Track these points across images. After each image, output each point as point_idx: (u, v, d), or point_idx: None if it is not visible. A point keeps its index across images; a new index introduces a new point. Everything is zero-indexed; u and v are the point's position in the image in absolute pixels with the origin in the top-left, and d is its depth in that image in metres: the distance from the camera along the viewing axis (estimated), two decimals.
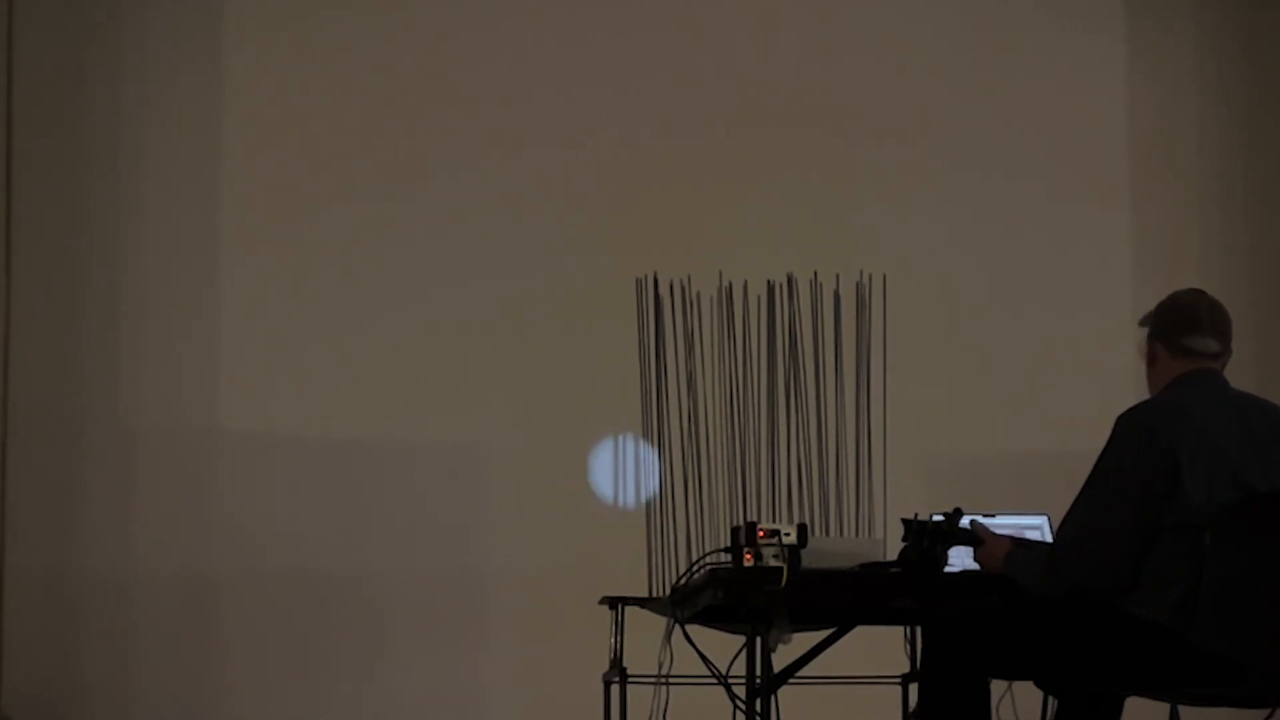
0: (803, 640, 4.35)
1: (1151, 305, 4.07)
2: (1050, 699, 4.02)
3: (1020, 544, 3.96)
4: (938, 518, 4.03)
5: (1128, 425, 3.78)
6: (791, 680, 4.24)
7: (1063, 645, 3.74)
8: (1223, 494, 3.65)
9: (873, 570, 4.09)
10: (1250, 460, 3.72)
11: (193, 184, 7.13)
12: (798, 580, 3.88)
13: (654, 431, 7.11)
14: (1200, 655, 3.61)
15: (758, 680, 4.01)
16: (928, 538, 3.97)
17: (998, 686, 3.90)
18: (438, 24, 7.32)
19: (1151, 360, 3.94)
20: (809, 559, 3.93)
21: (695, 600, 4.14)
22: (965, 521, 4.03)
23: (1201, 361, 3.86)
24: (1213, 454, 3.70)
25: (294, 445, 7.05)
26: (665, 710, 4.68)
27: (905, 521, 4.04)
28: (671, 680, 4.47)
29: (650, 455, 7.10)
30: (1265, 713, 3.86)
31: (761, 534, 3.91)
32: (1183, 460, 3.67)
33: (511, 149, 7.28)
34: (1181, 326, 3.89)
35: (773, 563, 3.88)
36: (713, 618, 4.34)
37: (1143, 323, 4.00)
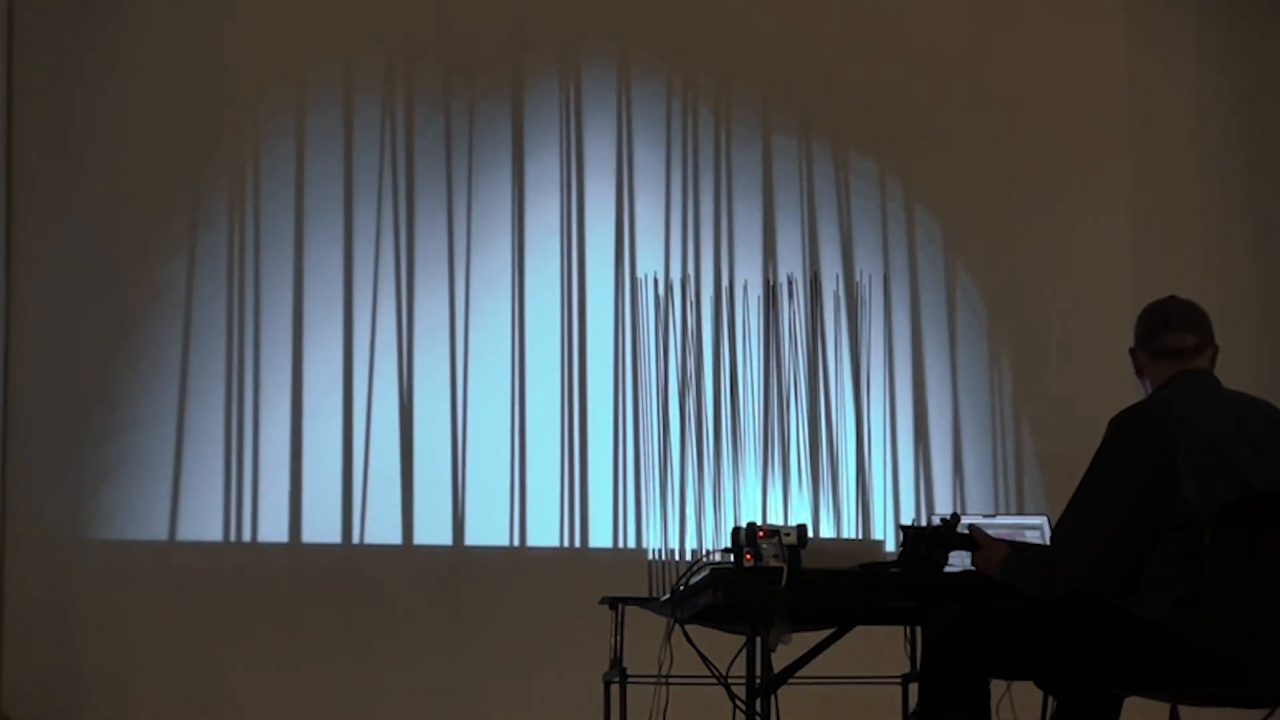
0: (803, 640, 4.35)
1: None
2: (1050, 699, 4.02)
3: (1017, 548, 3.95)
4: (936, 523, 4.03)
5: (1121, 426, 3.78)
6: (791, 680, 4.24)
7: (1063, 645, 3.73)
8: (1221, 493, 3.65)
9: (873, 570, 4.09)
10: (1248, 459, 3.72)
11: (190, 176, 7.15)
12: (798, 580, 3.88)
13: (654, 432, 7.12)
14: (1200, 655, 3.61)
15: (758, 680, 4.01)
16: (925, 543, 3.97)
17: (998, 686, 3.90)
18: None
19: (1139, 371, 3.98)
20: (809, 559, 3.93)
21: (695, 600, 4.14)
22: (963, 526, 4.03)
23: (1184, 359, 3.88)
24: (1209, 453, 3.70)
25: (294, 443, 7.05)
26: (665, 710, 4.68)
27: (903, 528, 4.04)
28: (671, 680, 4.47)
29: (651, 455, 7.11)
30: (1265, 713, 3.86)
31: (761, 534, 3.91)
32: (1179, 460, 3.67)
33: (514, 147, 7.28)
34: (1154, 328, 3.93)
35: (773, 563, 3.88)
36: (713, 618, 4.34)
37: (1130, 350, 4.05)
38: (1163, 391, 3.88)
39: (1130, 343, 4.00)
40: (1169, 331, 3.90)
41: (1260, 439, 3.78)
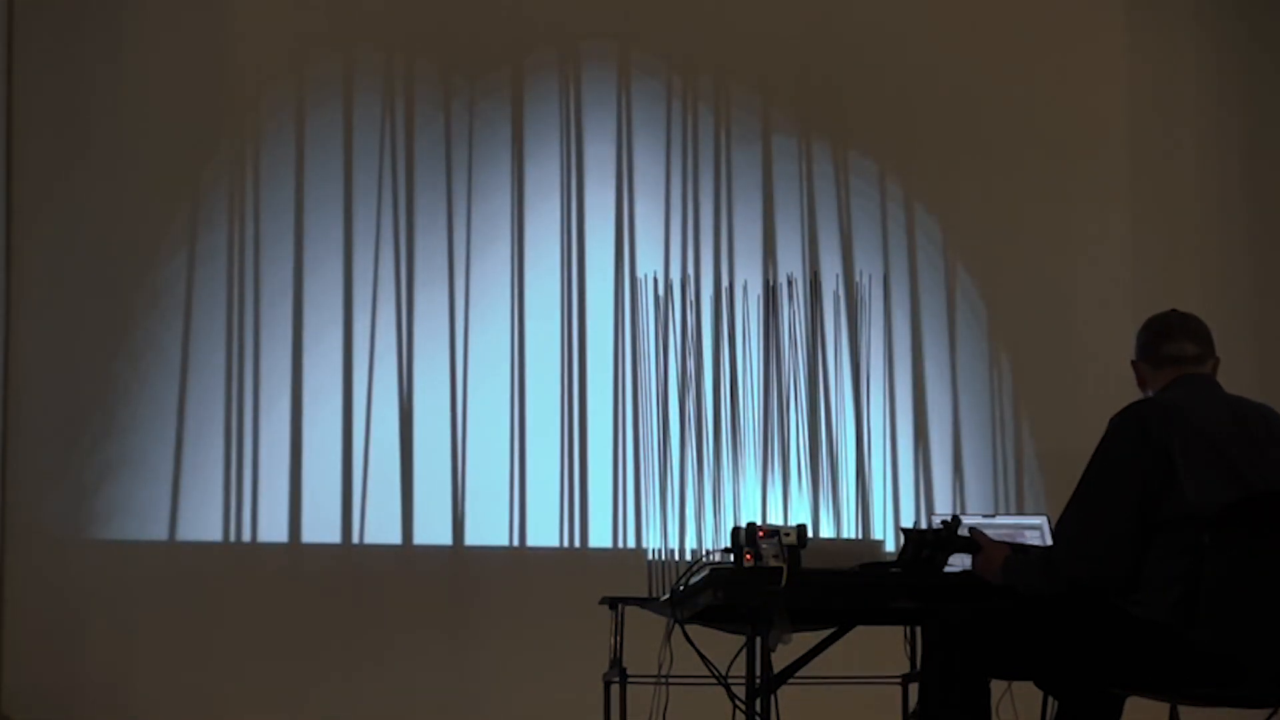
0: (803, 640, 4.35)
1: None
2: (1050, 699, 4.02)
3: (1018, 550, 3.96)
4: (936, 525, 4.03)
5: (1120, 422, 3.81)
6: (791, 680, 4.24)
7: (1063, 645, 3.74)
8: (1220, 490, 3.67)
9: (873, 570, 4.09)
10: (1249, 459, 3.74)
11: (188, 185, 7.15)
12: (798, 580, 3.88)
13: (654, 432, 7.12)
14: (1200, 655, 3.61)
15: (758, 680, 4.01)
16: (927, 547, 3.98)
17: (998, 686, 3.90)
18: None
19: (1141, 383, 4.04)
20: (809, 559, 3.93)
21: (695, 600, 4.14)
22: (964, 529, 4.03)
23: (1185, 367, 3.94)
24: (1208, 449, 3.72)
25: (294, 443, 7.05)
26: (665, 710, 4.68)
27: (905, 531, 4.05)
28: (671, 680, 4.47)
29: (651, 455, 7.11)
30: (1265, 713, 3.86)
31: (761, 534, 3.91)
32: (1176, 454, 3.69)
33: (514, 147, 7.29)
34: (1155, 339, 3.99)
35: (773, 563, 3.88)
36: (713, 618, 4.34)
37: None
38: (1163, 393, 3.91)
39: (1130, 350, 4.03)
40: (1170, 341, 3.96)
41: (1260, 439, 3.80)
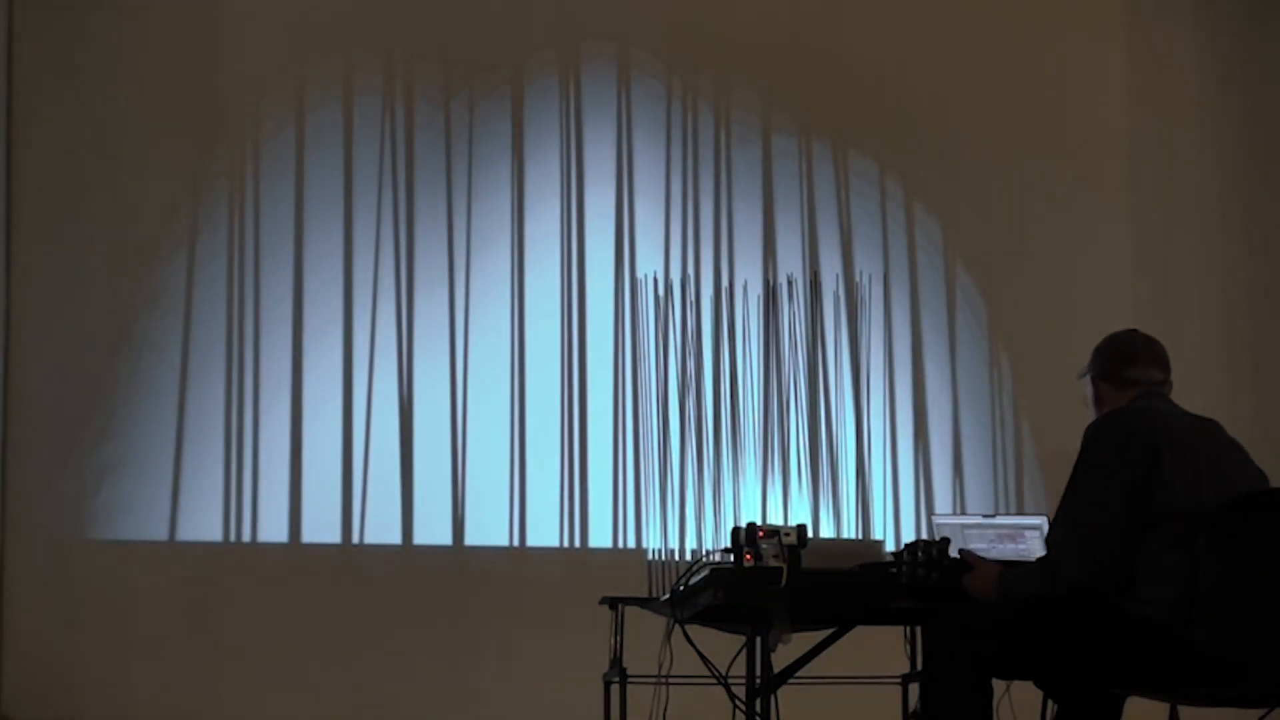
0: (803, 640, 4.35)
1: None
2: (1050, 699, 4.03)
3: (1010, 566, 3.97)
4: (928, 549, 4.03)
5: (1101, 427, 3.85)
6: (791, 680, 4.25)
7: (1063, 645, 3.74)
8: (1208, 490, 3.69)
9: (873, 570, 4.09)
10: (1224, 464, 3.78)
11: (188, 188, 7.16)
12: (798, 580, 3.88)
13: (654, 432, 7.12)
14: (1200, 654, 3.62)
15: (758, 680, 4.01)
16: (920, 568, 3.99)
17: (998, 686, 3.91)
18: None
19: (1098, 402, 4.05)
20: (809, 559, 3.94)
21: (695, 600, 4.14)
22: (954, 551, 4.04)
23: (1147, 389, 3.94)
24: (1189, 451, 3.76)
25: (294, 443, 7.05)
26: (665, 710, 4.68)
27: (894, 554, 4.06)
28: (671, 680, 4.48)
29: (651, 455, 7.11)
30: (1265, 712, 3.87)
31: (761, 534, 3.92)
32: (1162, 449, 3.73)
33: (514, 147, 7.29)
34: (1121, 361, 4.02)
35: (773, 563, 3.88)
36: (713, 618, 4.35)
37: (1081, 374, 4.08)
38: (1133, 404, 3.94)
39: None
40: (1135, 364, 4.01)
41: (1225, 447, 3.83)
